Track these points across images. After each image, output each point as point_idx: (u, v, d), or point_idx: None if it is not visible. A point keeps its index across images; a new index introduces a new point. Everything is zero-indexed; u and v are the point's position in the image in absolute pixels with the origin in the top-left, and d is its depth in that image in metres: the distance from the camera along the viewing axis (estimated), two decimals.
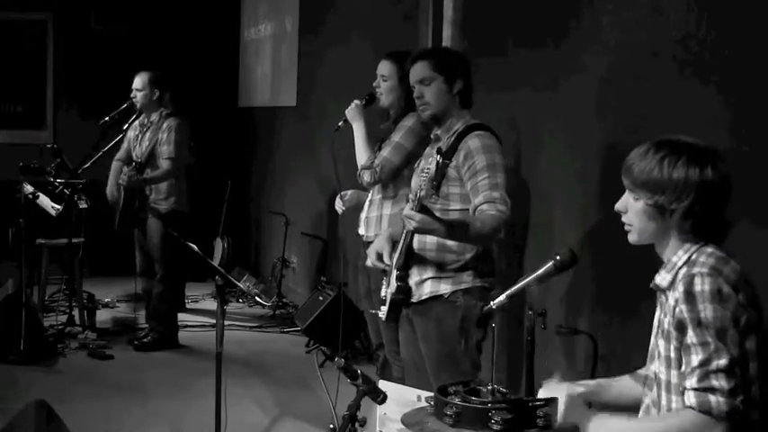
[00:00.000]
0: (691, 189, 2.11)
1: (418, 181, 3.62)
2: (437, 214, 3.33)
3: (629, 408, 2.42)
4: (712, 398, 2.04)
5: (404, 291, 3.54)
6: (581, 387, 2.48)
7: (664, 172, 2.13)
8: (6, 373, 5.64)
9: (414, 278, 3.55)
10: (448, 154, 3.48)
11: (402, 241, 3.55)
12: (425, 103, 3.57)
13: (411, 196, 3.56)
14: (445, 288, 3.51)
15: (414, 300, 3.56)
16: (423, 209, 3.23)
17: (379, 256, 3.60)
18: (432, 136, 3.71)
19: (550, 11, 4.26)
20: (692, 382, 2.07)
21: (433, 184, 3.35)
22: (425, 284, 3.54)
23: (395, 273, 3.57)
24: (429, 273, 3.53)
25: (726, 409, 2.03)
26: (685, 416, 2.07)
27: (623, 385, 2.48)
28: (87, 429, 4.67)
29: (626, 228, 2.26)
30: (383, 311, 3.64)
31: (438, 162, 3.22)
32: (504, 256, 4.65)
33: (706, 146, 2.17)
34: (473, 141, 3.46)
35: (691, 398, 2.06)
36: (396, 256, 3.57)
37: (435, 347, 3.56)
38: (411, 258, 3.54)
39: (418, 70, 3.58)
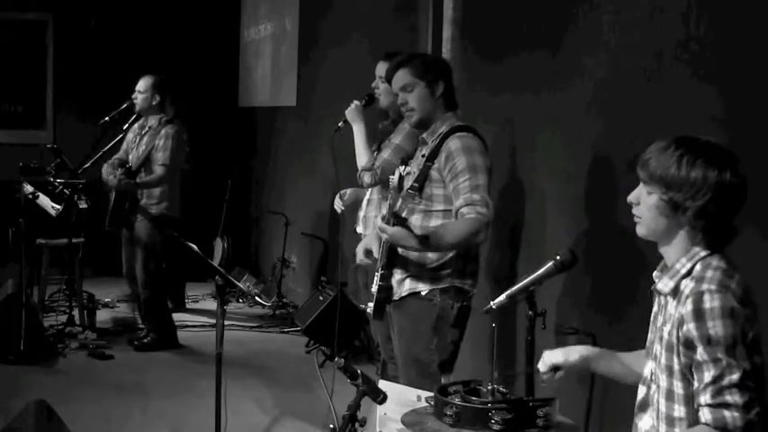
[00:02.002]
0: (708, 189, 2.09)
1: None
2: (419, 216, 3.50)
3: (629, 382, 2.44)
4: (727, 413, 2.03)
5: (385, 290, 3.62)
6: (582, 350, 2.50)
7: (682, 170, 2.11)
8: (6, 373, 5.64)
9: (396, 276, 3.63)
10: (431, 156, 3.55)
11: (383, 242, 3.61)
12: (410, 109, 3.62)
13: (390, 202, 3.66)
14: (423, 286, 3.58)
15: (395, 297, 3.64)
16: (399, 221, 3.37)
17: (368, 253, 3.70)
18: (419, 139, 3.75)
19: (550, 11, 4.26)
20: (705, 398, 2.05)
21: (415, 187, 3.50)
22: (405, 282, 3.61)
23: (379, 272, 3.65)
24: (409, 271, 3.59)
25: (741, 425, 2.02)
26: None
27: (628, 362, 2.47)
28: (87, 429, 4.67)
29: (635, 219, 2.25)
30: (371, 308, 3.73)
31: (402, 175, 3.29)
32: (497, 255, 4.66)
33: (726, 148, 2.16)
34: (454, 143, 3.50)
35: (706, 414, 2.05)
36: (378, 256, 3.66)
37: (407, 343, 3.63)
38: (395, 258, 3.61)
39: (399, 78, 3.63)
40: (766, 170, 2.79)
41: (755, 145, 2.93)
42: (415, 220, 3.54)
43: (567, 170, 4.11)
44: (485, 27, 4.92)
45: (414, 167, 3.66)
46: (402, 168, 3.36)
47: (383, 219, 3.49)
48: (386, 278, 3.61)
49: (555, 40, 4.16)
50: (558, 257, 2.56)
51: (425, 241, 3.39)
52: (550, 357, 2.51)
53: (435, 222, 3.53)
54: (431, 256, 3.55)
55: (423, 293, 3.57)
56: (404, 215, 3.51)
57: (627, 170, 3.52)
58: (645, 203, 2.21)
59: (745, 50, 3.07)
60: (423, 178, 3.54)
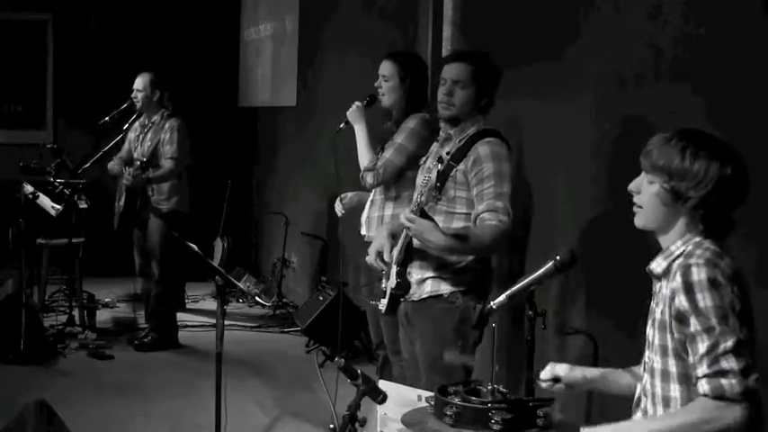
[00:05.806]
0: (710, 181, 2.14)
1: (422, 180, 3.64)
2: (441, 216, 3.43)
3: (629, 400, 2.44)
4: (724, 381, 2.04)
5: (403, 287, 3.58)
6: (587, 371, 2.50)
7: (685, 160, 2.15)
8: (6, 373, 5.64)
9: (415, 276, 3.58)
10: (456, 157, 3.51)
11: (402, 238, 3.57)
12: (451, 104, 3.55)
13: (415, 196, 3.60)
14: (445, 288, 3.54)
15: (414, 298, 3.59)
16: (423, 214, 3.32)
17: (380, 254, 3.61)
18: (442, 133, 3.68)
19: (551, 11, 4.26)
20: (702, 369, 2.08)
21: (436, 186, 3.46)
22: (426, 283, 3.56)
23: (395, 268, 3.60)
24: (430, 272, 3.55)
25: (739, 390, 2.04)
26: (701, 405, 2.08)
27: (626, 382, 2.48)
28: (88, 429, 4.67)
29: (635, 209, 2.27)
30: (383, 304, 3.69)
31: (439, 170, 3.26)
32: (504, 255, 4.65)
33: (728, 143, 2.20)
34: (483, 148, 3.47)
35: (703, 385, 2.07)
36: (396, 251, 3.60)
37: (430, 347, 3.58)
38: (412, 255, 3.56)
39: (457, 70, 3.56)
40: (766, 169, 2.79)
41: (755, 144, 2.93)
42: (437, 222, 3.51)
43: (567, 171, 4.12)
44: (485, 27, 4.92)
45: (430, 164, 3.60)
46: (439, 165, 3.40)
47: (411, 212, 3.42)
48: (402, 275, 3.57)
49: (555, 39, 4.16)
50: (557, 257, 2.56)
51: (451, 240, 3.33)
52: (554, 368, 2.53)
53: (457, 225, 3.49)
54: (452, 257, 3.51)
55: (444, 295, 3.54)
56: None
57: (628, 171, 3.52)
58: (646, 192, 2.24)
59: (745, 50, 3.07)
60: (444, 178, 3.49)
